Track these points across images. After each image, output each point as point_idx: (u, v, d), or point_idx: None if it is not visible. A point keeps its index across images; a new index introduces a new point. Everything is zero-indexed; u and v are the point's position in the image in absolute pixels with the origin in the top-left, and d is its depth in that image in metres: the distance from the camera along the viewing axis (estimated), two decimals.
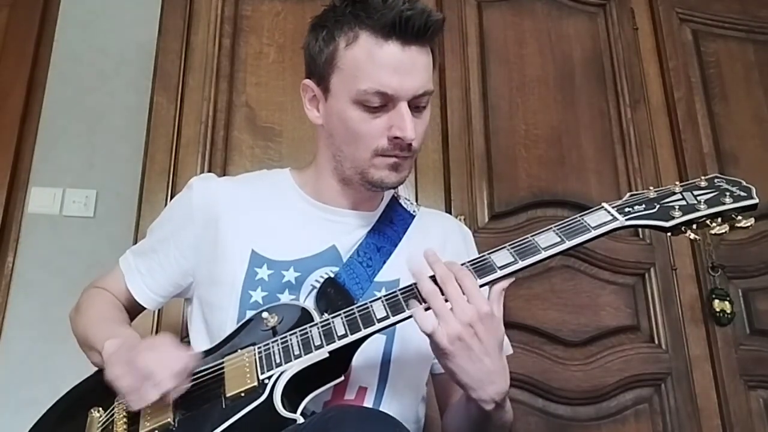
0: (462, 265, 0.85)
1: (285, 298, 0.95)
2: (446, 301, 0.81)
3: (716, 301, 1.78)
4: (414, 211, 1.10)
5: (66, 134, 2.01)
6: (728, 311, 1.78)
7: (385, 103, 0.92)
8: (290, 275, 0.96)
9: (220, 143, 1.70)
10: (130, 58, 2.08)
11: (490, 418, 0.86)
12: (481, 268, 0.85)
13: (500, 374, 0.82)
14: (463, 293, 0.80)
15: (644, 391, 1.72)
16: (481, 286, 0.84)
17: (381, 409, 0.94)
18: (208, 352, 0.92)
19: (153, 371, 0.79)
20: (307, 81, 1.01)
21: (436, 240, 1.07)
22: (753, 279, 1.88)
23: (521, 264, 0.85)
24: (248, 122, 1.73)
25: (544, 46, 1.98)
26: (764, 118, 2.07)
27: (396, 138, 0.92)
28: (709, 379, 1.75)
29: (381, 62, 0.90)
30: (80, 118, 2.03)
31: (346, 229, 1.02)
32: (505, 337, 1.08)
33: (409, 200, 1.13)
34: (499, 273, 0.84)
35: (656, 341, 1.76)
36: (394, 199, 1.11)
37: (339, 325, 0.84)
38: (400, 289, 0.85)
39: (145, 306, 1.07)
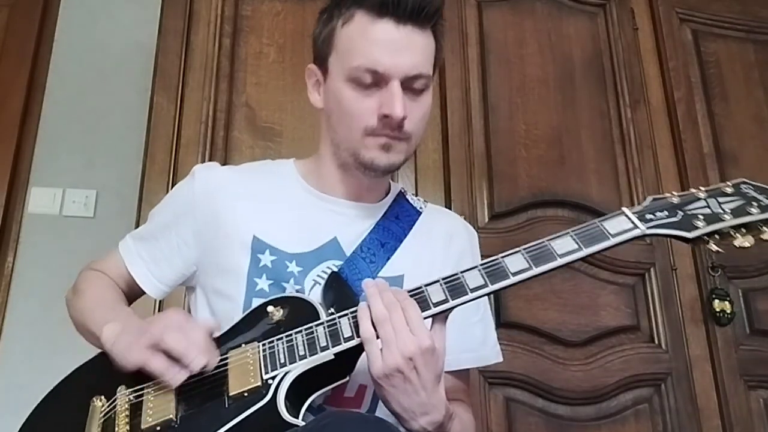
0: (475, 268, 0.83)
1: (290, 287, 0.94)
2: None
3: (716, 301, 1.78)
4: (420, 208, 1.09)
5: (66, 134, 2.01)
6: (728, 311, 1.78)
7: (377, 81, 0.91)
8: (293, 267, 0.96)
9: (220, 143, 1.70)
10: (130, 58, 2.08)
11: None
12: (493, 272, 0.82)
13: (434, 407, 0.80)
14: (407, 324, 0.78)
15: (644, 391, 1.72)
16: (493, 292, 0.82)
17: (379, 405, 0.94)
18: None
19: (185, 348, 0.80)
20: (311, 66, 1.01)
21: (440, 239, 1.06)
22: (753, 279, 1.89)
23: (536, 271, 0.81)
24: (248, 122, 1.73)
25: (544, 46, 1.98)
26: (764, 118, 2.07)
27: (386, 116, 0.90)
28: (709, 379, 1.75)
29: (373, 39, 0.90)
30: (80, 118, 2.03)
31: (347, 221, 1.01)
32: (497, 345, 1.06)
33: (417, 197, 1.12)
34: (512, 279, 0.81)
35: (656, 341, 1.76)
36: (401, 195, 1.09)
37: (345, 325, 0.82)
38: (409, 291, 0.84)
39: (149, 294, 1.05)
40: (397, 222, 1.04)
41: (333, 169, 1.01)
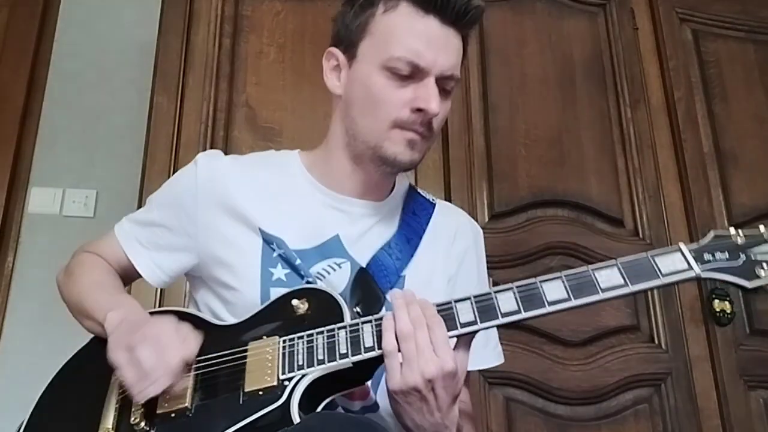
0: (509, 290, 0.81)
1: (320, 284, 0.92)
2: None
3: (716, 301, 1.78)
4: (433, 200, 1.08)
5: (66, 134, 2.01)
6: (728, 311, 1.78)
7: (412, 74, 0.90)
8: (298, 263, 0.94)
9: (220, 143, 1.70)
10: (130, 58, 2.08)
11: None
12: (529, 297, 0.79)
13: (447, 427, 0.79)
14: (431, 343, 0.76)
15: (644, 391, 1.72)
16: (526, 319, 0.80)
17: (379, 404, 0.93)
18: (233, 328, 0.90)
19: (151, 368, 0.78)
20: (332, 48, 0.98)
21: (446, 236, 1.04)
22: None
23: (574, 303, 0.79)
24: (248, 122, 1.73)
25: (544, 46, 1.98)
26: (764, 118, 2.07)
27: (419, 110, 0.90)
28: (709, 379, 1.75)
29: (418, 32, 0.90)
30: (80, 118, 2.03)
31: (350, 219, 0.99)
32: (498, 346, 1.05)
33: (425, 191, 1.11)
34: (548, 309, 0.79)
35: (656, 341, 1.76)
36: (413, 189, 1.08)
37: (368, 334, 0.80)
38: (438, 306, 0.81)
39: (148, 281, 1.02)
40: (415, 217, 1.03)
41: (343, 162, 0.99)
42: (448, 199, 1.76)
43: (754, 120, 2.06)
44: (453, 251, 1.04)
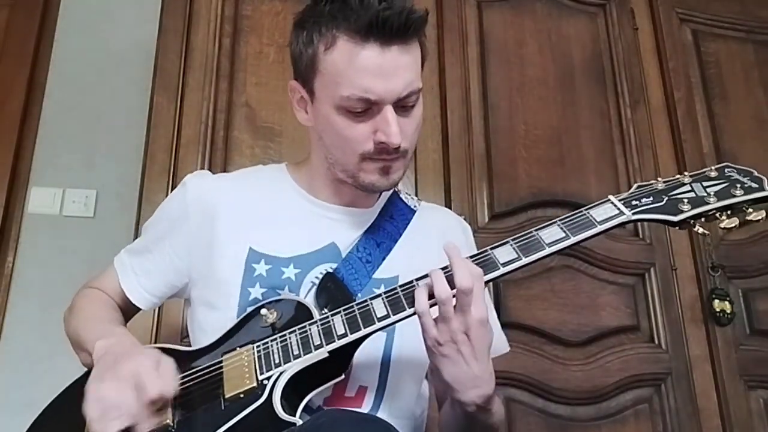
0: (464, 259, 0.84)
1: (285, 293, 0.94)
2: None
3: (716, 301, 1.78)
4: (415, 206, 1.09)
5: (66, 134, 2.01)
6: (728, 311, 1.78)
7: (369, 107, 0.89)
8: (290, 272, 0.95)
9: (220, 143, 1.70)
10: (130, 58, 2.08)
11: (475, 420, 0.86)
12: (483, 264, 0.84)
13: (486, 380, 0.82)
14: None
15: (644, 391, 1.72)
16: (490, 281, 0.84)
17: (381, 407, 0.94)
18: (206, 350, 0.91)
19: (112, 405, 0.76)
20: (293, 83, 1.00)
21: (435, 237, 1.05)
22: (753, 279, 1.88)
23: (524, 261, 0.84)
24: (248, 122, 1.73)
25: (544, 46, 1.98)
26: (764, 118, 2.07)
27: (381, 143, 0.89)
28: (709, 379, 1.75)
29: (361, 67, 0.87)
30: (80, 118, 2.03)
31: (344, 227, 1.01)
32: (503, 335, 1.07)
33: (410, 195, 1.12)
34: (502, 270, 0.84)
35: (656, 341, 1.76)
36: (395, 194, 1.09)
37: (339, 323, 0.83)
38: (401, 286, 0.85)
39: (138, 306, 1.05)
40: (392, 221, 1.04)
41: (327, 181, 1.01)
42: (448, 198, 1.76)
43: (753, 120, 2.06)
44: (443, 252, 1.05)
